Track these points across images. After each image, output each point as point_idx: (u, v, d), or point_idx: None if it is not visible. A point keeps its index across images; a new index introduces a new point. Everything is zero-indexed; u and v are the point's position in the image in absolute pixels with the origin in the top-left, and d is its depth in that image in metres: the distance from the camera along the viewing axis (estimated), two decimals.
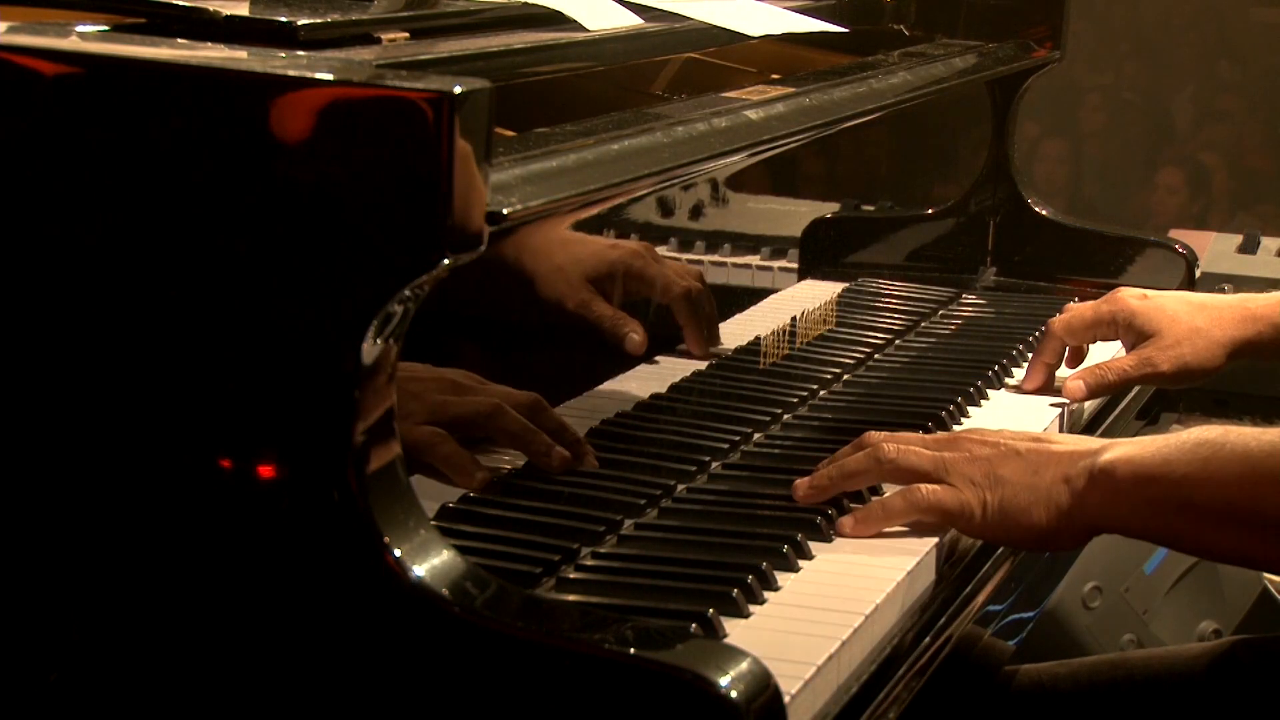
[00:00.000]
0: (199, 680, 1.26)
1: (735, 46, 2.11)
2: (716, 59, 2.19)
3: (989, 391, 2.15)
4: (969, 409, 2.08)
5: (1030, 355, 2.23)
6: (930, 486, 1.65)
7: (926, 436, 1.73)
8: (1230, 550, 1.61)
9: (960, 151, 2.79)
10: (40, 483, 1.28)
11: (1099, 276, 2.67)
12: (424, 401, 1.61)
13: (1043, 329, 2.41)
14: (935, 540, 1.65)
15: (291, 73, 1.22)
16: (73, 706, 1.29)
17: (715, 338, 2.04)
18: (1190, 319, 2.08)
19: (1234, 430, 1.58)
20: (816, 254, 2.33)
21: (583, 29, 1.76)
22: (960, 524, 1.65)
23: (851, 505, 1.69)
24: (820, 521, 1.64)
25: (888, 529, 1.65)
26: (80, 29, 1.39)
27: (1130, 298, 2.12)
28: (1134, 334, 2.11)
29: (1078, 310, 2.17)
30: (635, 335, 1.86)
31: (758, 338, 2.12)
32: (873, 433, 1.73)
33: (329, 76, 1.21)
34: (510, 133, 1.46)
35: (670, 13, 1.94)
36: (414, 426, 1.59)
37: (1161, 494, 1.58)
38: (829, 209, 2.43)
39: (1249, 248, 3.79)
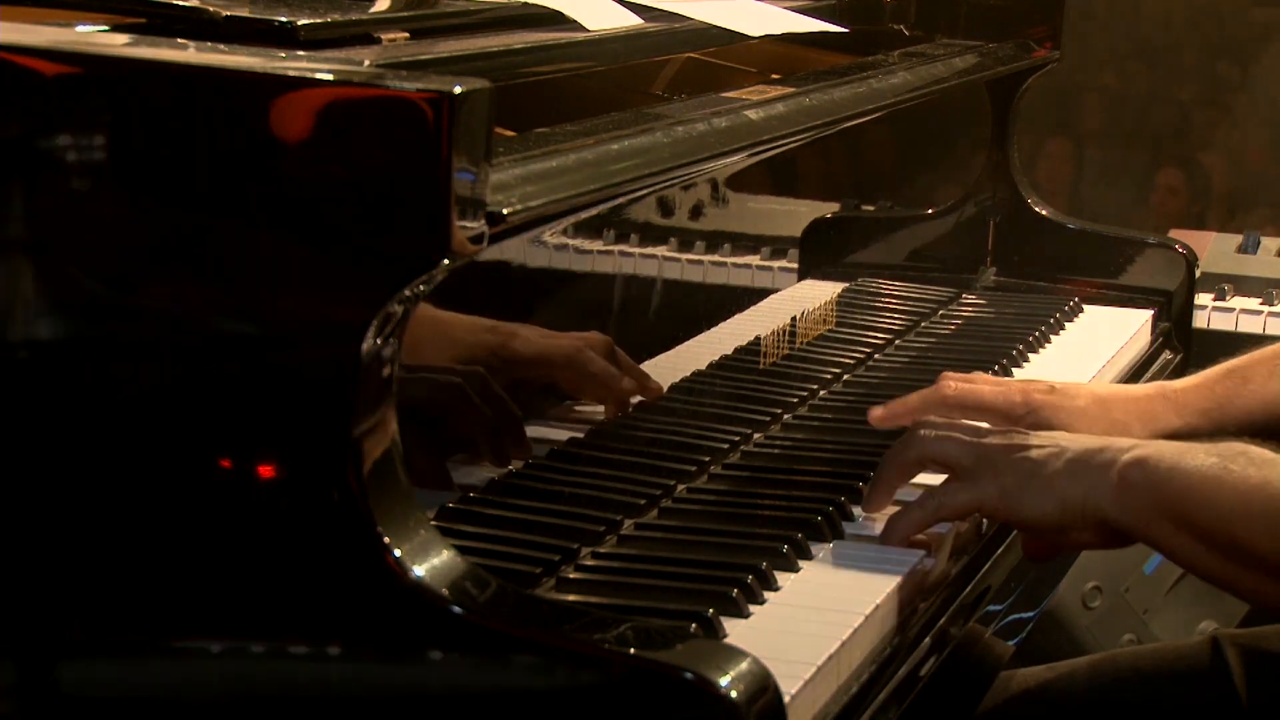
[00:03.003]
0: (199, 679, 1.26)
1: (735, 46, 2.11)
2: (716, 59, 2.19)
3: None
4: None
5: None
6: (945, 495, 1.65)
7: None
8: (1220, 576, 1.59)
9: (960, 151, 2.78)
10: (41, 482, 1.28)
11: (1099, 276, 2.67)
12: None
13: (1041, 329, 2.42)
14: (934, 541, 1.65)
15: (291, 73, 1.22)
16: (73, 705, 1.29)
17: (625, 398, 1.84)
18: (1104, 412, 1.95)
19: (1252, 452, 1.56)
20: (816, 254, 2.33)
21: (583, 29, 1.76)
22: (982, 512, 1.68)
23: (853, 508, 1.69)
24: (820, 521, 1.64)
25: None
26: (80, 29, 1.39)
27: (1037, 391, 1.95)
28: (1041, 429, 1.84)
29: (973, 392, 1.94)
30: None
31: (758, 338, 2.12)
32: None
33: (329, 76, 1.21)
34: (510, 133, 1.46)
35: (670, 13, 1.94)
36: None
37: (1165, 504, 1.57)
38: (829, 209, 2.43)
39: (1249, 248, 3.79)
